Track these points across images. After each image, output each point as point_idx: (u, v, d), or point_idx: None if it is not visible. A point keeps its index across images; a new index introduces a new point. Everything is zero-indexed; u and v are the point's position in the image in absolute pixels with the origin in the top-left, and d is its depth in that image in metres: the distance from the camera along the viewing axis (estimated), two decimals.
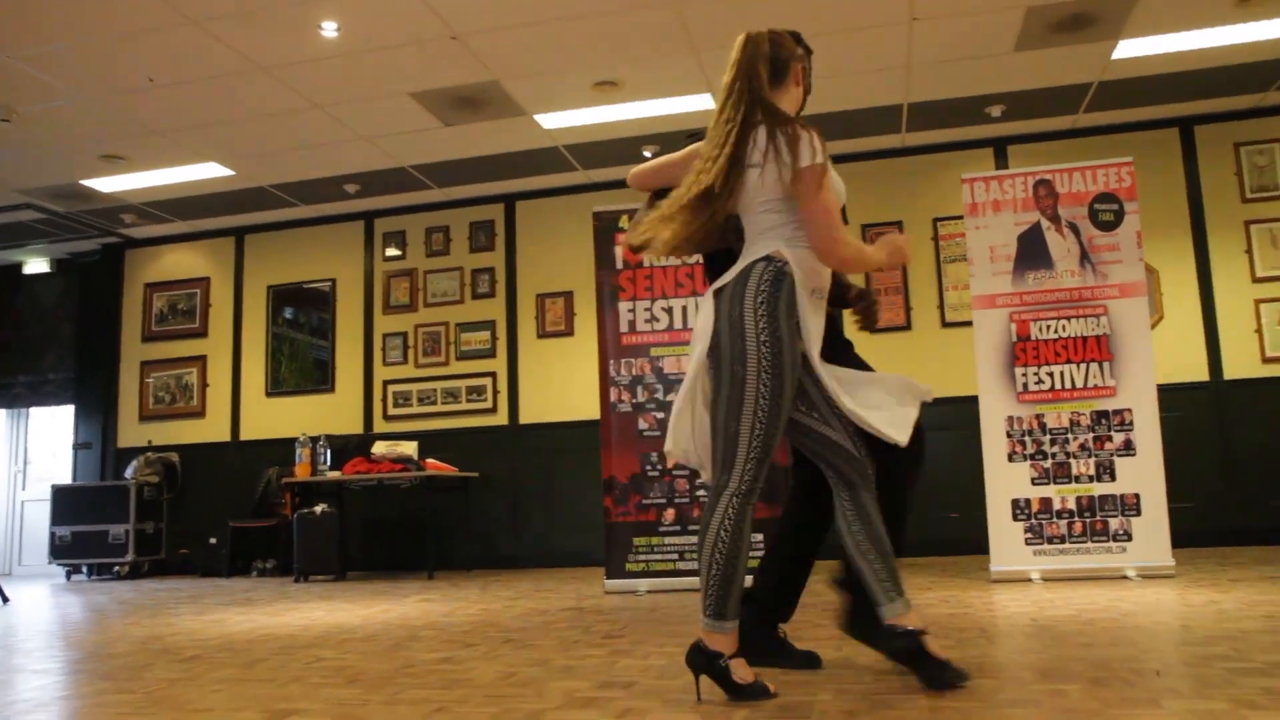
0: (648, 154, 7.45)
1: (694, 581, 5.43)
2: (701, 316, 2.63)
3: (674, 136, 7.17)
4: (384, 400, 8.33)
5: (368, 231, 8.61)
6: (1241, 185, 7.07)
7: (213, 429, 8.70)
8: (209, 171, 7.49)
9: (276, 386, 8.58)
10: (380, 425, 8.28)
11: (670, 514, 5.57)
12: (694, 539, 5.52)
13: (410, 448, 7.45)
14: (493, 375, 8.15)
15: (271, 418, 8.54)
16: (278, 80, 6.04)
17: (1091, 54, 6.11)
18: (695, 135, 2.85)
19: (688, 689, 2.68)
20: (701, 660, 2.55)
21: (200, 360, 8.79)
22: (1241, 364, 6.92)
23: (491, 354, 8.18)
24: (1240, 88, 6.71)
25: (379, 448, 7.43)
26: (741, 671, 2.54)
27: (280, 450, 8.07)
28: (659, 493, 5.59)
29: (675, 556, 5.54)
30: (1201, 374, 6.96)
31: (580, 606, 4.93)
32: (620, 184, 8.02)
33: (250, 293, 8.79)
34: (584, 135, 7.11)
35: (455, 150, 7.30)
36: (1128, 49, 6.04)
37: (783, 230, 2.59)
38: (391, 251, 8.52)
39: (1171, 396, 6.40)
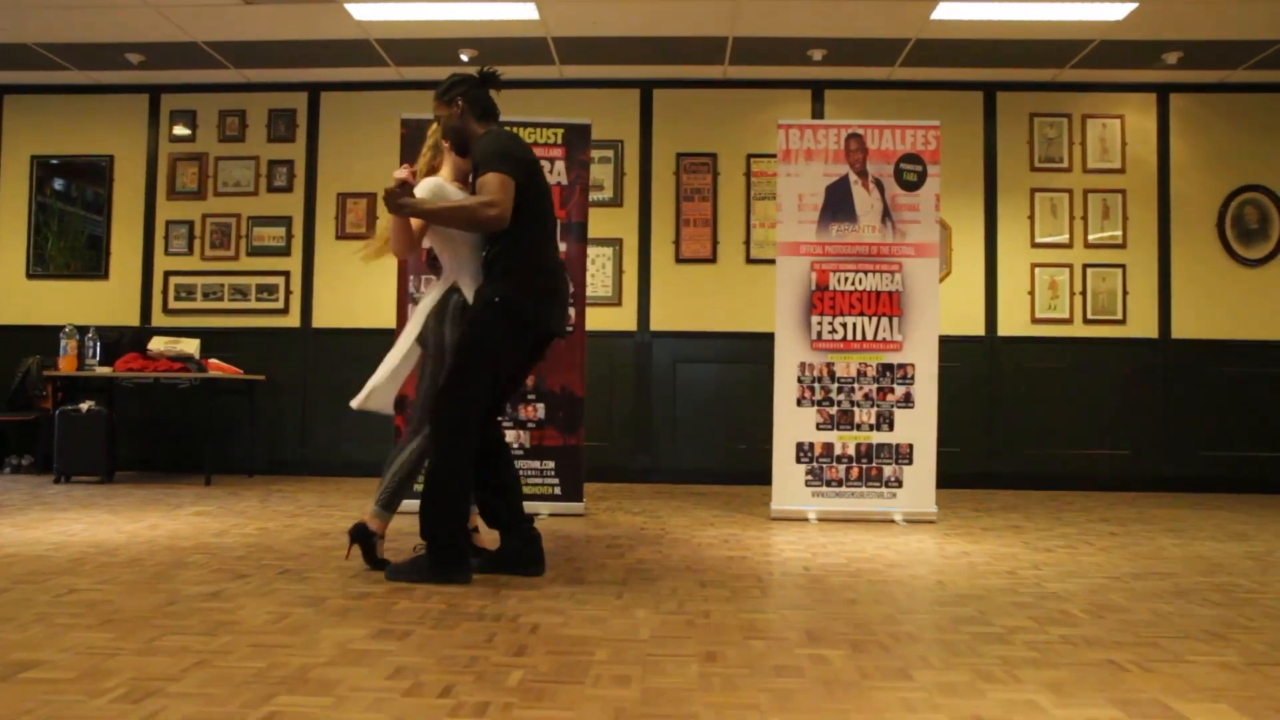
0: (464, 57, 7.13)
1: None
2: (420, 304, 3.77)
3: (494, 43, 6.89)
4: (164, 292, 7.75)
5: (153, 107, 7.87)
6: (1032, 154, 7.49)
7: None
8: None
9: (40, 266, 7.83)
10: (159, 319, 7.72)
11: None
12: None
13: (191, 346, 6.99)
14: (286, 274, 7.72)
15: (34, 302, 7.80)
16: None
17: (912, 11, 6.24)
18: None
19: (464, 642, 2.66)
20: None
21: None
22: (1014, 322, 7.43)
23: (286, 252, 7.74)
24: (1041, 61, 7.05)
25: (156, 344, 6.94)
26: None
27: (43, 338, 7.36)
28: None
29: None
30: (979, 329, 7.43)
31: None
32: (436, 85, 7.64)
33: (11, 161, 7.90)
34: (398, 31, 6.70)
35: (256, 31, 6.73)
36: (946, 11, 6.20)
37: (451, 257, 3.76)
38: (180, 131, 7.85)
39: (951, 347, 6.81)
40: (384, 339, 7.03)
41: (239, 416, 7.43)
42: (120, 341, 7.20)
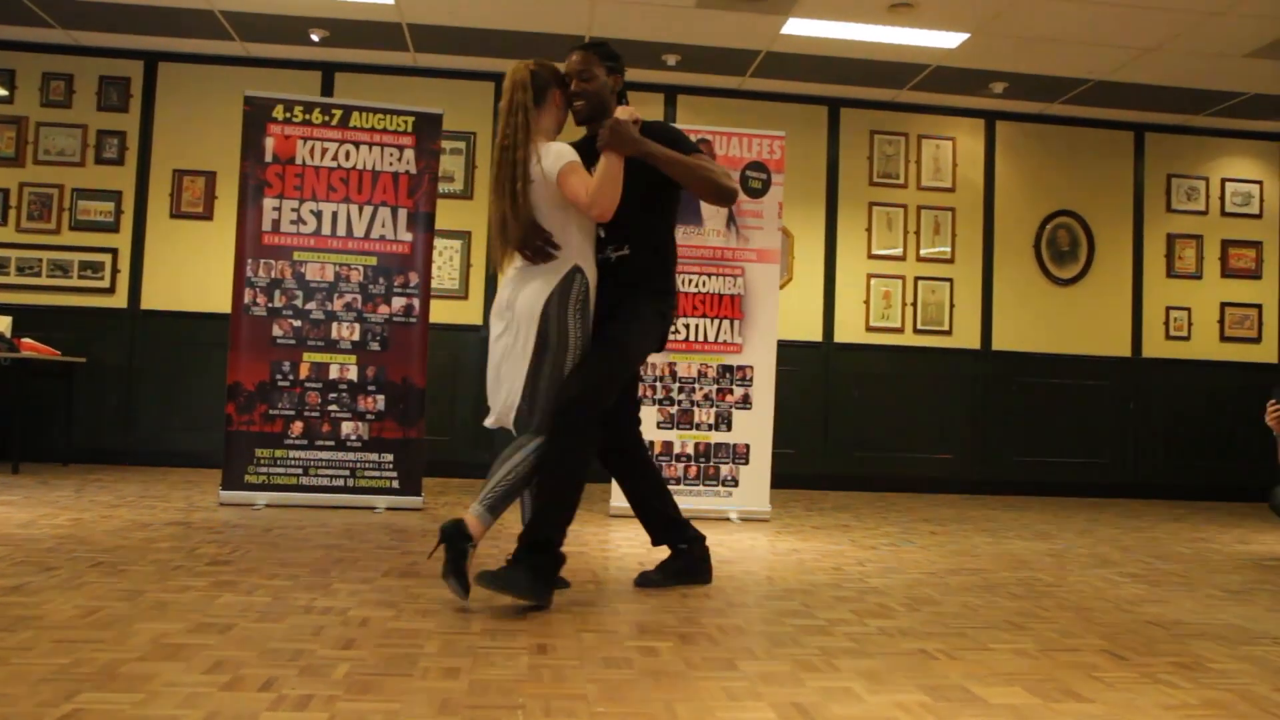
0: (315, 37, 6.92)
1: (316, 498, 5.30)
2: (525, 297, 3.16)
3: (347, 25, 6.71)
4: None
5: None
6: (871, 169, 7.84)
7: None
8: None
9: None
10: None
11: (298, 427, 5.33)
12: (321, 454, 5.34)
13: (2, 323, 6.54)
14: (114, 252, 7.31)
15: None
16: None
17: (764, 24, 6.42)
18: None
19: (290, 636, 2.59)
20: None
21: None
22: (850, 329, 7.75)
23: (115, 228, 7.33)
24: (882, 81, 7.38)
25: None
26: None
27: None
28: (288, 404, 5.32)
29: (300, 471, 5.32)
30: (817, 334, 7.71)
31: (189, 521, 4.62)
32: (283, 64, 7.41)
33: None
34: (245, 3, 6.44)
35: None
36: (795, 27, 6.41)
37: (571, 235, 3.18)
38: None
39: (789, 352, 7.05)
40: (218, 324, 6.82)
41: (55, 401, 6.98)
42: None
